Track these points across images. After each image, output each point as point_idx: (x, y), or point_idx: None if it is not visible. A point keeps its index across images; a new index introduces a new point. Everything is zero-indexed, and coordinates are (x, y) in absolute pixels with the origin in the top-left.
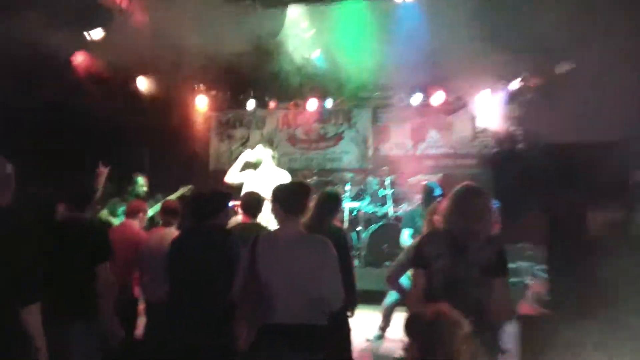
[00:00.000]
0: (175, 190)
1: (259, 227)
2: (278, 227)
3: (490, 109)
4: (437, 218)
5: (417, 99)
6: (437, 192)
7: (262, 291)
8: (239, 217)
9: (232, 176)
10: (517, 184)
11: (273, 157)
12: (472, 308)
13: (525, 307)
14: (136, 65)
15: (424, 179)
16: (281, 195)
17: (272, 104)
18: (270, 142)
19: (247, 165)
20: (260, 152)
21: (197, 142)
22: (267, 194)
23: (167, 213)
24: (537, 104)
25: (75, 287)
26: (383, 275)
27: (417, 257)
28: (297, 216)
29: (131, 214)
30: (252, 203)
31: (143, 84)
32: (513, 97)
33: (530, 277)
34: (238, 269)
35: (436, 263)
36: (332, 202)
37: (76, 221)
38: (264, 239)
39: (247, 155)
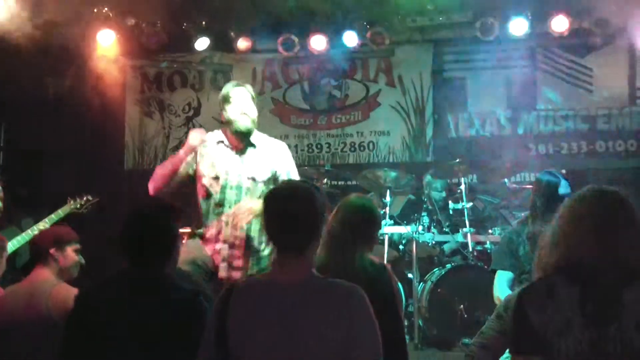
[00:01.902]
0: (57, 206)
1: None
2: (270, 269)
3: None
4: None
5: (519, 27)
6: (564, 189)
7: None
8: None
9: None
10: None
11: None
12: None
13: None
14: None
15: (531, 179)
16: (274, 212)
17: (243, 43)
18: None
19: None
20: (238, 105)
21: (99, 119)
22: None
23: (45, 247)
24: None
25: None
26: None
27: (519, 333)
28: (303, 253)
29: None
30: None
31: None
32: None
33: None
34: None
35: (560, 342)
36: (363, 221)
37: None
38: (243, 293)
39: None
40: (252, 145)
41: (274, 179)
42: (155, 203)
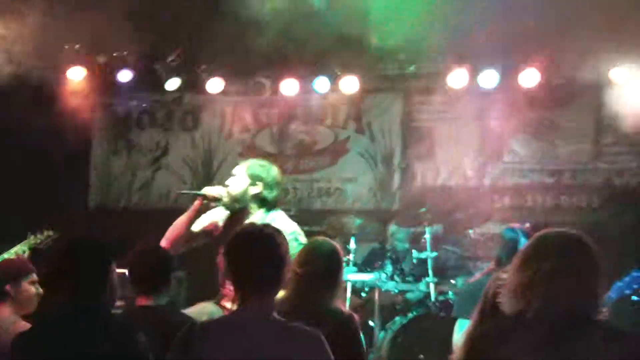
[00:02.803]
0: (18, 241)
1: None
2: (232, 310)
3: (632, 100)
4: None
5: (489, 78)
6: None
7: None
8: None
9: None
10: None
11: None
12: None
13: None
14: None
15: (495, 231)
16: (235, 252)
17: (213, 85)
18: (207, 158)
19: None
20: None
21: (64, 155)
22: None
23: (1, 282)
24: None
25: None
26: None
27: None
28: (267, 295)
29: None
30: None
31: None
32: None
33: None
34: None
35: None
36: (328, 263)
37: None
38: (203, 333)
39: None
40: None
41: None
42: (88, 237)
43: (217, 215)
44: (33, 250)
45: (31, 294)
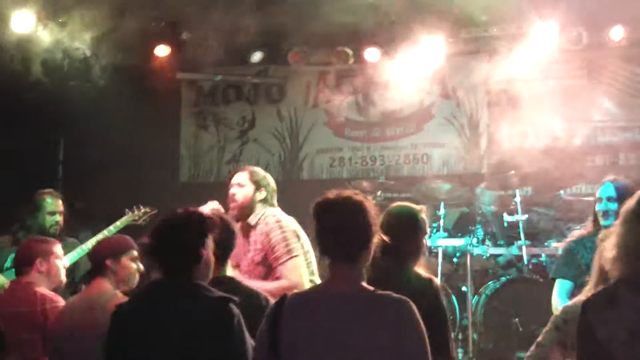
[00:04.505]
0: (115, 218)
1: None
2: (320, 283)
3: None
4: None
5: (574, 37)
6: (615, 206)
7: None
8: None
9: None
10: None
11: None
12: None
13: None
14: None
15: (589, 194)
16: (326, 224)
17: (297, 56)
18: (293, 129)
19: None
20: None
21: (155, 132)
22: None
23: (101, 259)
24: None
25: None
26: None
27: (584, 343)
28: (355, 262)
29: (30, 264)
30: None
31: (28, 22)
32: None
33: None
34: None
35: (623, 352)
36: (405, 229)
37: None
38: (293, 306)
39: None
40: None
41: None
42: (184, 212)
43: None
44: (130, 226)
45: (131, 270)
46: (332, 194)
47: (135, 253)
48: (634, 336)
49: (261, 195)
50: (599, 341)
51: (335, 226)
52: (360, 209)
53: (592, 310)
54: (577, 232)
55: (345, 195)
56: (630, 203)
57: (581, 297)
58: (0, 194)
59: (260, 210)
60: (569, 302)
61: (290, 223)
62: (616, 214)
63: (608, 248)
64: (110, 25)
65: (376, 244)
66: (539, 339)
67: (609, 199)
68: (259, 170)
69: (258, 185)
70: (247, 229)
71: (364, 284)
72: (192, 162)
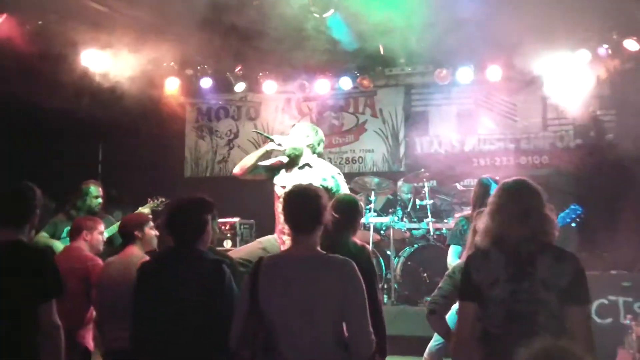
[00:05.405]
0: (139, 204)
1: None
2: (286, 248)
3: (568, 86)
4: (480, 226)
5: (466, 75)
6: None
7: (267, 334)
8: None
9: (256, 164)
10: (606, 190)
11: (317, 145)
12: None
13: (625, 355)
14: (80, 34)
15: (474, 184)
16: (289, 204)
17: (268, 86)
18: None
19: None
20: (298, 138)
21: (167, 141)
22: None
23: (130, 231)
24: (637, 78)
25: (7, 335)
26: (422, 315)
27: (465, 286)
28: (311, 233)
29: (79, 234)
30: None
31: (91, 60)
32: (601, 68)
33: (629, 317)
34: (235, 307)
35: (492, 291)
36: (347, 211)
37: (10, 245)
38: (267, 265)
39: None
40: (309, 165)
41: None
42: (191, 198)
43: (281, 159)
44: (152, 211)
45: (152, 236)
46: (297, 186)
47: (152, 223)
48: (496, 280)
49: (308, 141)
50: (474, 283)
51: (299, 207)
52: (316, 196)
53: (471, 262)
54: (465, 212)
55: (306, 186)
56: (492, 195)
57: (464, 256)
58: (56, 184)
59: (309, 156)
60: (459, 261)
61: (332, 170)
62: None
63: (481, 222)
64: (135, 64)
65: (329, 220)
66: (440, 285)
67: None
68: (310, 125)
69: (307, 134)
70: (302, 167)
71: (318, 248)
72: (194, 163)
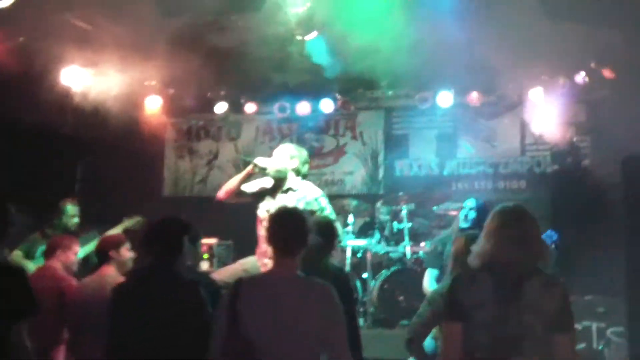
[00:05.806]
0: (117, 222)
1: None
2: (268, 265)
3: (545, 112)
4: (475, 249)
5: (445, 99)
6: (474, 215)
7: (246, 354)
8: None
9: (240, 189)
10: (582, 214)
11: (301, 167)
12: None
13: None
14: (62, 52)
15: (454, 209)
16: (274, 227)
17: (249, 107)
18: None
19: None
20: (282, 160)
21: (146, 159)
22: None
23: (106, 250)
24: (612, 105)
25: None
26: (398, 338)
27: (452, 307)
28: (295, 256)
29: (53, 254)
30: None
31: (72, 77)
32: (578, 95)
33: (603, 342)
34: (215, 327)
35: (478, 314)
36: (326, 233)
37: None
38: (247, 285)
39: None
40: (292, 189)
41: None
42: (167, 218)
43: (265, 182)
44: (125, 230)
45: (127, 257)
46: (282, 208)
47: (129, 245)
48: (482, 303)
49: (293, 164)
50: (460, 304)
51: (283, 229)
52: (302, 219)
53: (458, 284)
54: (442, 235)
55: (290, 209)
56: (490, 219)
57: (445, 280)
58: (33, 201)
59: (294, 180)
60: (437, 286)
61: (317, 193)
62: (472, 220)
63: (475, 247)
64: (117, 82)
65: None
66: (419, 310)
67: (470, 208)
68: (295, 147)
69: (291, 156)
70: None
71: (298, 271)
72: (172, 183)
